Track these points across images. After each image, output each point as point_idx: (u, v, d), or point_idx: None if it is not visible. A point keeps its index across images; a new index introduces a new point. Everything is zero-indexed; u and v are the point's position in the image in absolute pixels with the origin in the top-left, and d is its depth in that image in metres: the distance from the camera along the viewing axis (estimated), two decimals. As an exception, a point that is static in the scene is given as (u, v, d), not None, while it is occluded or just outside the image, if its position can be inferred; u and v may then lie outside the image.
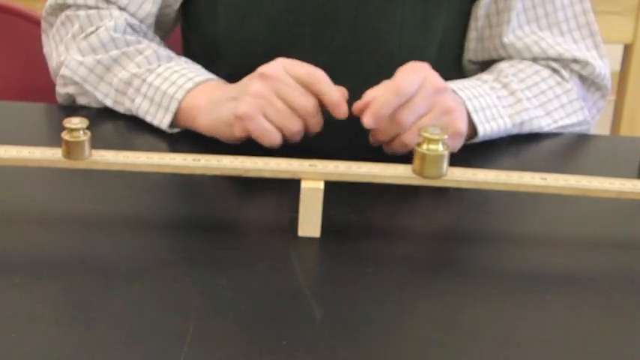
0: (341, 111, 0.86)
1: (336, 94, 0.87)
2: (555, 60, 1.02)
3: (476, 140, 0.94)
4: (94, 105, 1.00)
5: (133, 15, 1.02)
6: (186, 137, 0.92)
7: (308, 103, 0.86)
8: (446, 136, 0.74)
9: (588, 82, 1.04)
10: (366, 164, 0.77)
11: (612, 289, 0.70)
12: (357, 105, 0.86)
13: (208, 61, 1.09)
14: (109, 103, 0.98)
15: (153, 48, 0.99)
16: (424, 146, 0.74)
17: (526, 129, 0.98)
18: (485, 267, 0.73)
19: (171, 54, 1.01)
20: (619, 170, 0.90)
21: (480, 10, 1.04)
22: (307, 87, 0.86)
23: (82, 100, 1.01)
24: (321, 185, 0.74)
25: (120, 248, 0.73)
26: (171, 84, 0.94)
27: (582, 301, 0.69)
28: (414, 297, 0.69)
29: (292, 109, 0.86)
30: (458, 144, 0.90)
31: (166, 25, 1.10)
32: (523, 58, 1.03)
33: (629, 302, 0.69)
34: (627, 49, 1.92)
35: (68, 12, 1.01)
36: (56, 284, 0.68)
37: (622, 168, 0.93)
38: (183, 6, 1.12)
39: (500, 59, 1.05)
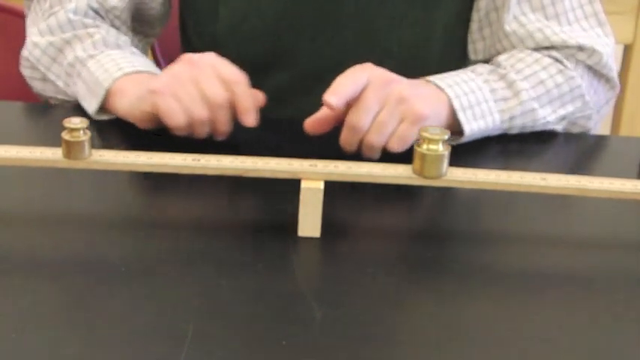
0: (248, 119, 0.86)
1: (247, 101, 0.86)
2: (559, 49, 0.99)
3: (462, 140, 0.93)
4: (49, 94, 1.01)
5: (100, 2, 1.02)
6: (186, 137, 0.92)
7: (218, 95, 0.85)
8: (446, 136, 0.74)
9: (597, 73, 1.01)
10: (366, 164, 0.77)
11: (612, 289, 0.70)
12: (310, 121, 0.86)
13: None
14: (60, 84, 0.99)
15: (102, 34, 0.99)
16: (424, 146, 0.74)
17: (519, 123, 0.95)
18: (485, 267, 0.73)
19: (122, 43, 1.01)
20: (619, 170, 0.90)
21: (481, 2, 1.04)
22: (225, 84, 0.86)
23: (37, 86, 1.02)
24: (321, 185, 0.74)
25: (120, 248, 0.73)
26: (105, 71, 0.94)
27: (582, 301, 0.69)
28: (414, 297, 0.69)
29: (203, 97, 0.86)
30: (468, 119, 0.89)
31: (150, 22, 1.10)
32: (526, 47, 1.00)
33: (629, 302, 0.69)
34: (627, 49, 1.92)
35: None
36: (56, 284, 0.68)
37: (622, 168, 0.93)
38: (181, 6, 1.13)
39: (504, 54, 1.02)
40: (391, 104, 0.84)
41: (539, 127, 0.98)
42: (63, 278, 0.68)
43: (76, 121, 0.74)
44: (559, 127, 0.99)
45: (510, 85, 0.95)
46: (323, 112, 0.85)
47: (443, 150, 0.74)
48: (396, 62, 1.00)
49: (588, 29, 1.01)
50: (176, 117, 0.86)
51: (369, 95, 0.83)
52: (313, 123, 0.86)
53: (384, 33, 1.03)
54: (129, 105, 0.91)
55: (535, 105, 0.96)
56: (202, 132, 0.88)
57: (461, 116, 0.91)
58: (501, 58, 0.99)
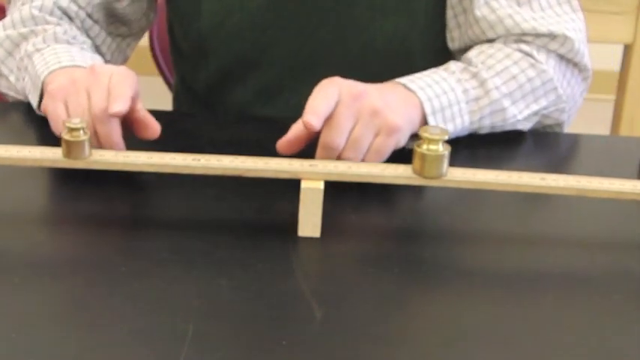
0: (148, 132, 0.83)
1: (148, 119, 0.83)
2: (529, 40, 0.97)
3: None
4: (3, 90, 1.01)
5: (67, 7, 1.01)
6: (186, 137, 0.92)
7: (102, 106, 0.81)
8: (446, 137, 0.74)
9: (570, 62, 0.99)
10: (366, 164, 0.77)
11: (612, 289, 0.70)
12: (282, 142, 0.83)
13: (196, 57, 1.10)
14: (12, 79, 0.98)
15: (55, 30, 0.98)
16: (424, 146, 0.74)
17: (487, 123, 0.94)
18: (485, 267, 0.73)
19: (73, 40, 0.99)
20: (619, 170, 0.90)
21: None
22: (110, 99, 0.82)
23: None
24: (321, 185, 0.74)
25: (120, 248, 0.73)
26: (44, 64, 0.92)
27: (582, 301, 0.69)
28: (414, 297, 0.69)
29: (89, 107, 0.82)
30: (402, 138, 0.85)
31: (125, 21, 1.09)
32: (496, 34, 0.99)
33: (629, 302, 0.69)
34: (627, 49, 1.92)
35: None
36: (56, 284, 0.68)
37: (622, 168, 0.93)
38: (167, 5, 1.13)
39: (476, 41, 1.01)
40: (365, 119, 0.82)
41: (508, 127, 0.96)
42: (63, 278, 0.68)
43: (76, 121, 0.74)
44: (528, 125, 0.98)
45: (482, 83, 0.94)
46: (294, 133, 0.82)
47: (443, 150, 0.74)
48: (380, 54, 0.99)
49: (562, 14, 0.99)
50: (57, 123, 0.83)
51: (341, 113, 0.81)
52: (286, 144, 0.83)
53: (365, 24, 1.03)
54: (44, 102, 0.89)
55: (506, 103, 0.95)
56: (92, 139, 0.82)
57: (430, 120, 0.89)
58: (472, 54, 0.98)
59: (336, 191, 0.77)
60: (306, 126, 0.79)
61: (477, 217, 0.82)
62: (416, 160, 0.75)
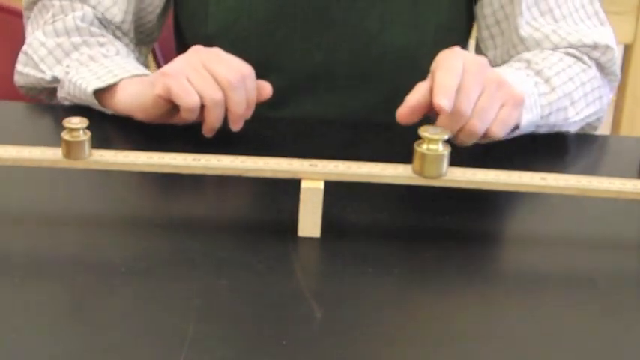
0: (264, 93, 0.89)
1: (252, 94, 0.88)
2: (576, 47, 0.99)
3: (516, 133, 0.90)
4: (33, 83, 1.02)
5: (102, 15, 1.03)
6: (186, 137, 0.92)
7: (231, 75, 0.86)
8: (446, 136, 0.74)
9: (606, 70, 1.01)
10: (366, 164, 0.77)
11: (612, 289, 0.70)
12: (404, 109, 0.81)
13: None
14: (58, 74, 0.99)
15: (114, 43, 1.00)
16: (424, 146, 0.74)
17: (551, 121, 0.94)
18: (485, 267, 0.73)
19: (126, 54, 1.02)
20: (619, 170, 0.90)
21: (486, 9, 1.04)
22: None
23: (20, 81, 1.03)
24: (321, 185, 0.74)
25: (120, 248, 0.73)
26: (121, 67, 0.95)
27: (582, 301, 0.69)
28: (414, 297, 0.69)
29: (215, 78, 0.86)
30: (523, 111, 0.86)
31: (147, 33, 1.11)
32: (543, 49, 1.00)
33: (629, 302, 0.69)
34: (627, 49, 1.92)
35: (45, 1, 1.04)
36: (56, 284, 0.68)
37: (622, 168, 0.93)
38: (175, 9, 1.13)
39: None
40: (491, 89, 0.82)
41: (565, 127, 0.97)
42: (63, 278, 0.68)
43: (76, 121, 0.74)
44: (576, 129, 0.99)
45: (547, 80, 0.94)
46: (415, 100, 0.81)
47: (443, 150, 0.74)
48: (389, 65, 0.99)
49: (592, 27, 1.01)
50: (190, 97, 0.85)
51: (469, 82, 0.80)
52: (407, 112, 0.81)
53: (375, 33, 1.03)
54: (134, 93, 0.91)
55: (567, 103, 0.95)
56: (215, 115, 0.87)
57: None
58: (527, 56, 0.98)
59: (336, 191, 0.77)
60: (438, 109, 0.78)
61: (477, 217, 0.82)
62: (416, 160, 0.75)
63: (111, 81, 0.93)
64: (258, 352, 0.61)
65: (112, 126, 0.95)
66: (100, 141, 0.92)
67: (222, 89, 0.86)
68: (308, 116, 1.04)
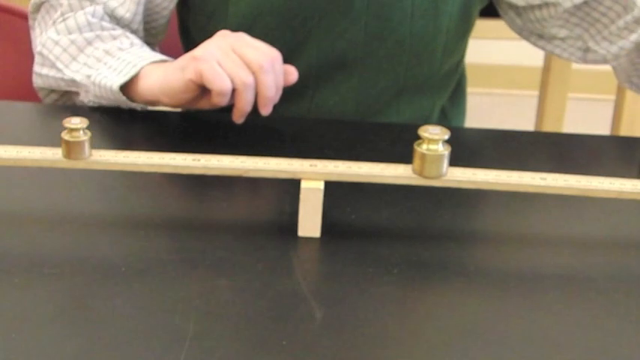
0: (289, 78, 0.90)
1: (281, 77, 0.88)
2: None
3: None
4: (51, 97, 1.02)
5: (112, 12, 1.03)
6: (186, 137, 0.92)
7: (261, 58, 0.86)
8: (446, 136, 0.74)
9: None
10: (366, 164, 0.77)
11: (612, 289, 0.70)
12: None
13: None
14: (77, 77, 0.99)
15: (127, 35, 1.00)
16: (424, 146, 0.74)
17: None
18: (485, 267, 0.73)
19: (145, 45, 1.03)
20: (619, 170, 0.90)
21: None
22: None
23: (38, 82, 1.03)
24: (321, 185, 0.74)
25: (120, 248, 0.73)
26: (138, 57, 0.95)
27: (582, 301, 0.69)
28: (414, 297, 0.69)
29: (245, 62, 0.87)
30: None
31: (153, 34, 1.11)
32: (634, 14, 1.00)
33: (629, 302, 0.69)
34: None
35: (52, 1, 1.04)
36: (56, 284, 0.68)
37: (622, 168, 0.93)
38: (182, 10, 1.13)
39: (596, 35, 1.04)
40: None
41: None
42: (63, 278, 0.68)
43: (76, 121, 0.74)
44: None
45: None
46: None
47: (443, 150, 0.74)
48: (407, 54, 1.00)
49: None
50: (222, 80, 0.86)
51: None
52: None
53: (396, 25, 1.04)
54: (160, 79, 0.91)
55: None
56: (246, 99, 0.87)
57: None
58: None
59: (336, 191, 0.77)
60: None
61: (477, 217, 0.82)
62: (416, 160, 0.75)
63: (132, 72, 0.93)
64: (258, 352, 0.61)
65: (112, 126, 0.95)
66: (100, 141, 0.92)
67: (253, 72, 0.86)
68: (324, 105, 1.04)
